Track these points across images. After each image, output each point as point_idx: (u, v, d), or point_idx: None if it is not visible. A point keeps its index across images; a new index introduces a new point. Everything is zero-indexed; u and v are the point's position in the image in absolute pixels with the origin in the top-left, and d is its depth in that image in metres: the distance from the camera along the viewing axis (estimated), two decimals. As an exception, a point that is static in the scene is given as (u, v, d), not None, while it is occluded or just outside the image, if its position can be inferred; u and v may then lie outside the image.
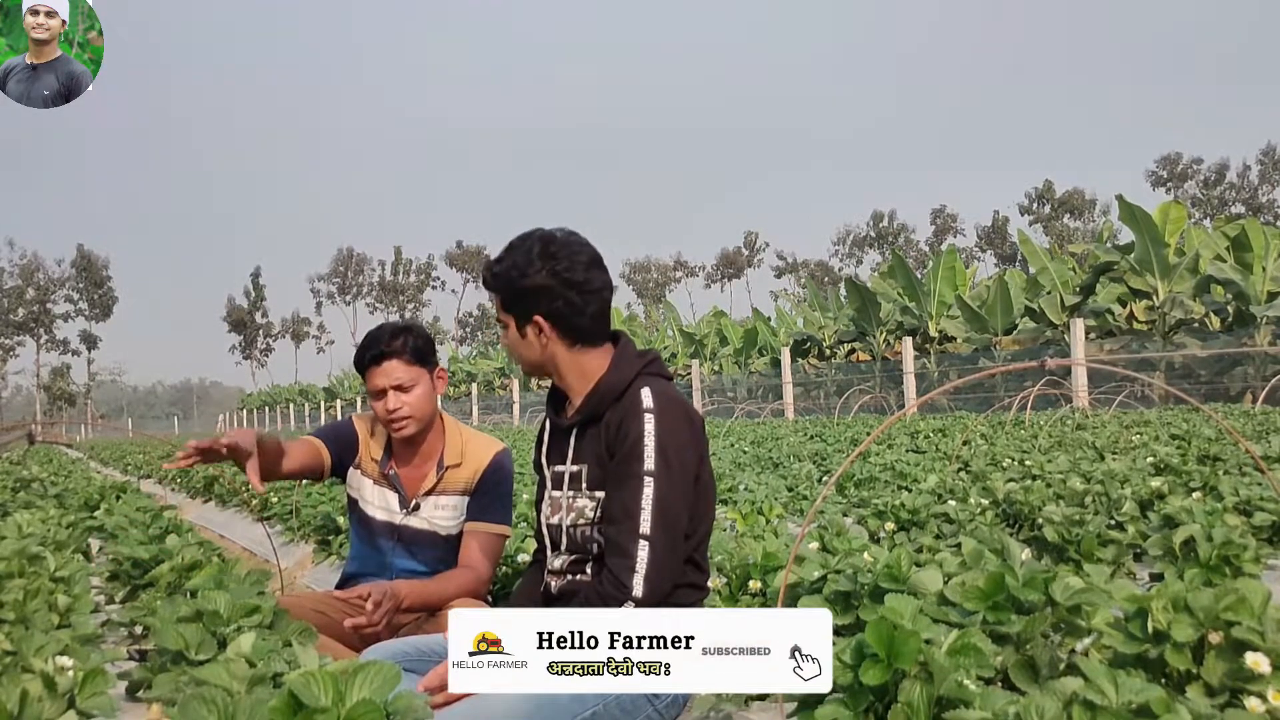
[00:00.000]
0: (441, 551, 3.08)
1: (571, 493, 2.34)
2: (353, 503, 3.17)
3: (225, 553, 4.01)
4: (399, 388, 2.97)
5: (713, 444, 11.16)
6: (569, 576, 2.36)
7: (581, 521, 2.32)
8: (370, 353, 2.99)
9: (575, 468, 2.35)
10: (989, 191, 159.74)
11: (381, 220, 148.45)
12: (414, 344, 3.00)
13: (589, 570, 2.32)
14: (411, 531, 3.08)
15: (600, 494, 2.28)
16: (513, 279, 2.30)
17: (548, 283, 2.30)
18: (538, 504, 2.50)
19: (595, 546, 2.29)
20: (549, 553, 2.42)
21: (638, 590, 2.14)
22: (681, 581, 2.26)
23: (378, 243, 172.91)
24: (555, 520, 2.38)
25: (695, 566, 2.31)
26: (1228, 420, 10.53)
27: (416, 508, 3.08)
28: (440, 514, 3.08)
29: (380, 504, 3.11)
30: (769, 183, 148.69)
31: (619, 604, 2.14)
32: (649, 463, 2.18)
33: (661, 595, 2.18)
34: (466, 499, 3.08)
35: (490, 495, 3.06)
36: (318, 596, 3.01)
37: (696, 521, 2.29)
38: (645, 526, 2.15)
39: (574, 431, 2.36)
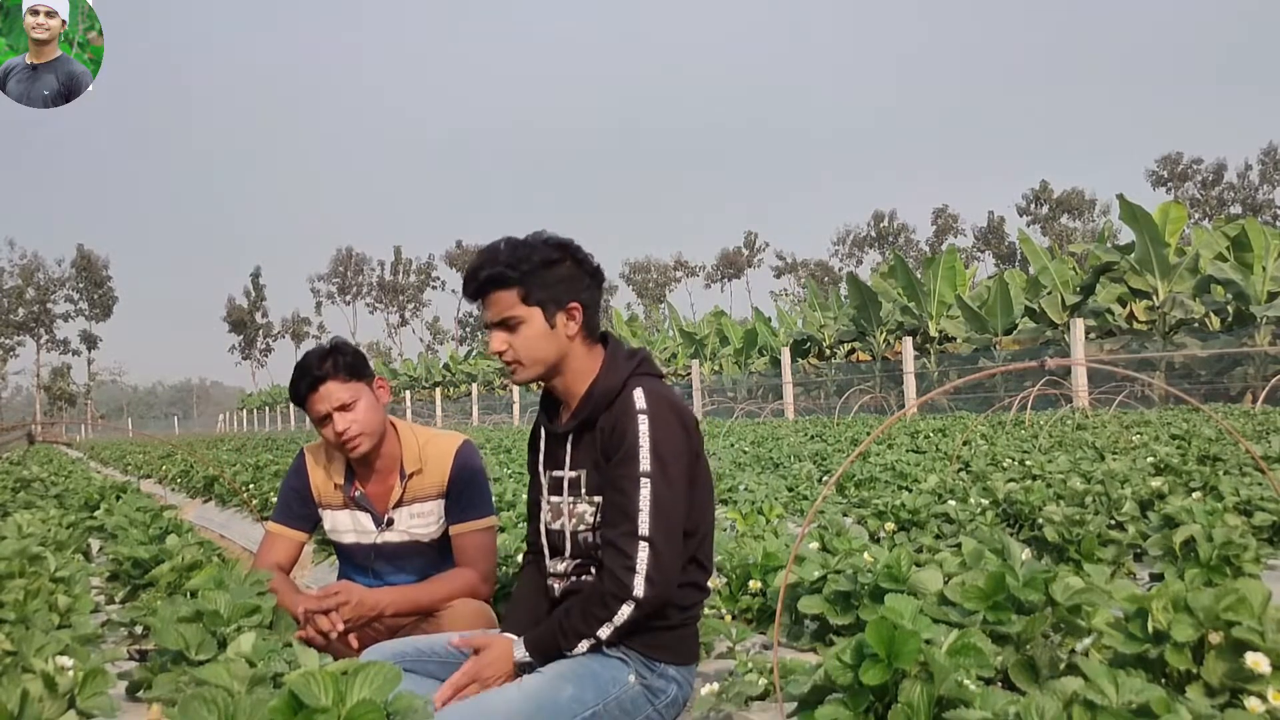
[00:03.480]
0: (429, 558, 3.06)
1: (571, 498, 2.34)
2: (330, 536, 3.16)
3: (225, 553, 4.01)
4: (342, 408, 2.91)
5: (713, 444, 11.16)
6: (573, 579, 2.35)
7: (582, 527, 2.31)
8: (304, 381, 2.93)
9: (574, 473, 2.34)
10: (989, 192, 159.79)
11: (381, 220, 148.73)
12: (345, 361, 2.95)
13: (594, 572, 2.32)
14: (392, 547, 3.06)
15: (599, 499, 2.28)
16: (538, 266, 2.26)
17: (576, 272, 2.30)
18: (534, 507, 2.50)
19: (599, 552, 2.29)
20: (550, 557, 2.42)
21: (638, 590, 2.14)
22: (684, 581, 2.26)
23: (378, 243, 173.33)
24: (557, 526, 2.37)
25: (698, 565, 2.31)
26: (1228, 420, 10.53)
27: (391, 523, 3.05)
28: (417, 522, 3.05)
29: (354, 528, 3.08)
30: (769, 182, 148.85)
31: (619, 604, 2.15)
32: (644, 464, 2.18)
33: (664, 596, 2.18)
34: (442, 501, 3.06)
35: (466, 493, 3.03)
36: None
37: (697, 520, 2.29)
38: (644, 528, 2.15)
39: (570, 437, 2.35)
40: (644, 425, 2.20)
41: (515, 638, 2.28)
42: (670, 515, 2.18)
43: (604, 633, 2.18)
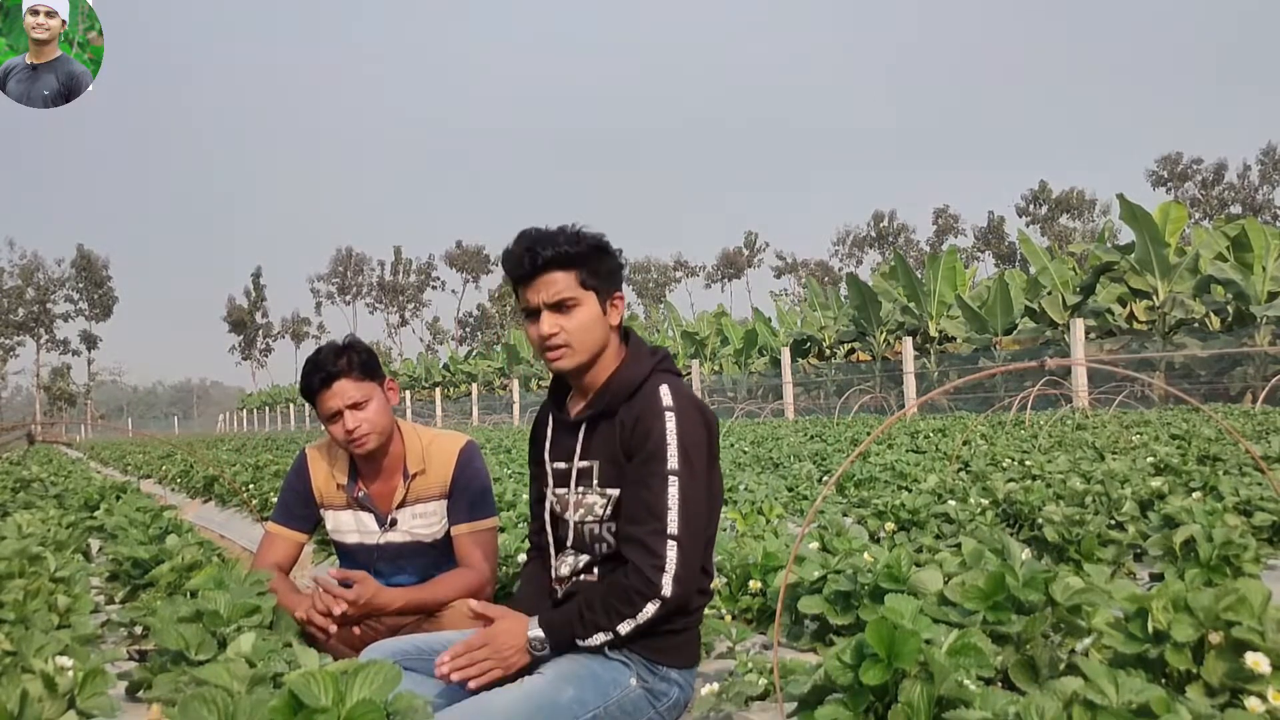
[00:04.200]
0: (431, 558, 3.06)
1: (581, 489, 2.31)
2: (332, 536, 3.16)
3: (225, 553, 4.02)
4: (354, 406, 2.90)
5: (713, 444, 11.13)
6: (576, 579, 2.33)
7: (590, 519, 2.29)
8: (318, 376, 2.91)
9: (585, 463, 2.31)
10: (989, 192, 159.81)
11: (381, 220, 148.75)
12: (360, 359, 2.94)
13: (596, 573, 2.30)
14: (395, 547, 3.06)
15: (612, 491, 2.25)
16: (594, 251, 2.25)
17: (617, 264, 2.32)
18: (537, 504, 2.48)
19: (604, 546, 2.27)
20: (554, 553, 2.40)
21: (666, 590, 2.12)
22: None
23: (378, 243, 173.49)
24: (565, 517, 2.35)
25: (702, 571, 2.30)
26: (1228, 420, 10.53)
27: (394, 523, 3.05)
28: (419, 523, 3.05)
29: (357, 528, 3.08)
30: (769, 183, 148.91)
31: (645, 601, 2.12)
32: (673, 462, 2.16)
33: (688, 595, 2.17)
34: (445, 502, 3.06)
35: (468, 493, 3.03)
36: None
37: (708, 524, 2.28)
38: (673, 527, 2.13)
39: (582, 427, 2.33)
40: (671, 422, 2.19)
41: (530, 618, 2.23)
42: (696, 514, 2.17)
43: (624, 628, 2.14)
